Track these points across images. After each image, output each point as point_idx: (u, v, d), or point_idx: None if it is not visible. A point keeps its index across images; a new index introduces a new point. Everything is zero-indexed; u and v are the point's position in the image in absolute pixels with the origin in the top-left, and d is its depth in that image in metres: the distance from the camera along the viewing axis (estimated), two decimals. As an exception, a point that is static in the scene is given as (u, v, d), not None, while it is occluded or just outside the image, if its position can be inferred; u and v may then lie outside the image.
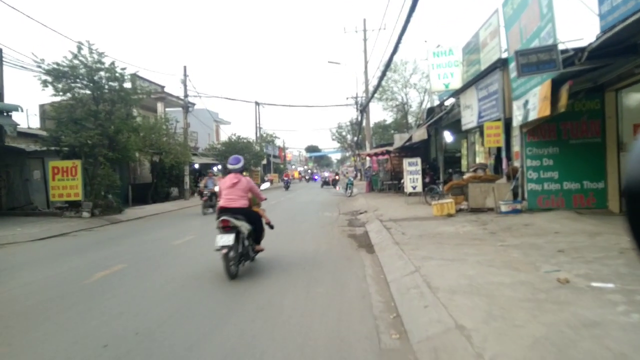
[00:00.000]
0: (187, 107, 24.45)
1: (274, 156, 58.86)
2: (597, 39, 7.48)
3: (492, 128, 11.67)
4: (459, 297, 4.16)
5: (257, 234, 6.59)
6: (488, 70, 12.36)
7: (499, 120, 11.69)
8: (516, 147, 11.75)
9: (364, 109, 26.59)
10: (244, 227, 6.07)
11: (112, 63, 15.54)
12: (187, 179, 24.13)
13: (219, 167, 33.96)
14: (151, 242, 10.24)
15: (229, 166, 6.50)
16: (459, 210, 11.39)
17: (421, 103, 44.34)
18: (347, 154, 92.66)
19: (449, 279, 4.81)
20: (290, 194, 30.49)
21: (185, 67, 24.15)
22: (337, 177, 42.85)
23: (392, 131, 51.11)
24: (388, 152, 21.82)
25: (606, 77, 9.47)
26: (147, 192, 23.63)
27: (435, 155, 22.65)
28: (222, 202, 6.27)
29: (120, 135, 15.95)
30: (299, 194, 30.04)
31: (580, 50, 8.15)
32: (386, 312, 4.39)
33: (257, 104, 48.01)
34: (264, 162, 51.55)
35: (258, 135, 49.04)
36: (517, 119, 10.59)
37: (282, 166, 67.54)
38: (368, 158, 26.57)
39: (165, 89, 29.98)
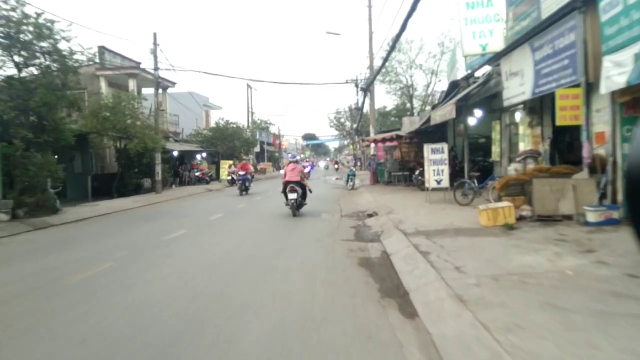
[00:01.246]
0: (158, 82, 20.59)
1: (268, 144, 55.01)
2: None
3: (567, 98, 8.03)
4: None
5: (304, 195, 12.29)
6: (556, 17, 8.65)
7: (577, 86, 8.04)
8: (600, 126, 8.10)
9: (367, 88, 22.82)
10: (299, 191, 11.93)
11: (39, 15, 11.64)
12: (159, 169, 20.40)
13: (203, 155, 30.22)
14: (44, 272, 6.58)
15: (290, 159, 13.38)
16: (520, 219, 7.78)
17: (427, 86, 40.66)
18: (346, 142, 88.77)
19: None
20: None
21: (155, 35, 20.21)
22: (336, 166, 39.34)
23: (393, 118, 47.27)
24: (398, 138, 18.13)
25: None
26: (112, 183, 19.92)
27: (453, 141, 18.99)
28: (287, 178, 12.03)
29: (54, 111, 12.15)
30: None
31: None
32: None
33: (248, 85, 44.21)
34: (257, 149, 47.76)
35: (250, 120, 45.18)
36: (614, 81, 6.89)
37: (276, 154, 63.78)
38: (373, 145, 22.87)
39: (150, 69, 26.08)
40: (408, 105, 43.02)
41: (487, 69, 12.66)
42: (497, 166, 14.48)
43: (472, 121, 16.56)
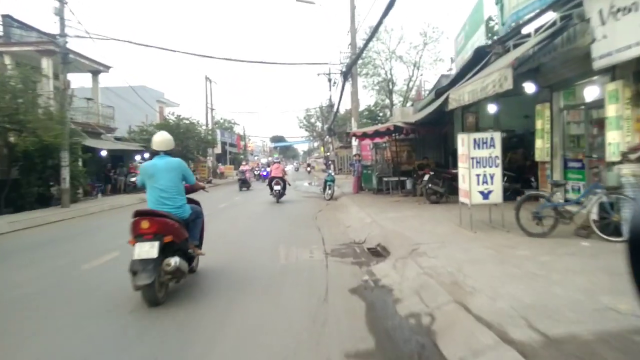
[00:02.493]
0: (65, 54, 15.02)
1: (232, 144, 49.49)
2: None
3: None
4: None
5: (285, 187, 15.83)
6: None
7: None
8: None
9: (348, 71, 18.08)
10: (282, 183, 15.55)
11: None
12: (65, 173, 14.87)
13: (145, 155, 24.62)
14: None
15: (275, 161, 19.26)
16: None
17: (409, 79, 36.54)
18: (315, 144, 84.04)
19: None
20: (238, 195, 21.82)
21: (61, -11, 14.71)
22: (308, 169, 34.80)
23: (365, 120, 42.63)
24: (396, 130, 13.36)
25: None
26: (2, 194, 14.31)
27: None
28: (272, 174, 15.99)
29: None
30: (253, 194, 21.35)
31: None
32: None
33: (207, 78, 38.69)
34: (218, 150, 42.28)
35: (210, 117, 39.63)
36: None
37: (241, 156, 58.29)
38: (355, 143, 18.14)
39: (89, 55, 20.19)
40: (387, 101, 38.84)
41: (551, 16, 8.13)
42: (542, 168, 10.07)
43: (491, 108, 12.19)
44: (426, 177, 11.35)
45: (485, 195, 7.04)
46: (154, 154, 4.97)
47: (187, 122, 30.88)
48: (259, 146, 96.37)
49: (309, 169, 46.44)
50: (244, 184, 23.66)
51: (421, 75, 34.56)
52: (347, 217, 10.74)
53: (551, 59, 8.71)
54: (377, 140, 16.39)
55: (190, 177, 5.11)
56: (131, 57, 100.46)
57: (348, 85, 20.42)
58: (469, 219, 7.26)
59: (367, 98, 42.56)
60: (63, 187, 14.66)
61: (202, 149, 32.68)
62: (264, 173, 29.76)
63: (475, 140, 7.07)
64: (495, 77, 7.42)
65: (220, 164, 43.62)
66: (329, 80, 36.15)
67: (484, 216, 7.46)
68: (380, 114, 44.28)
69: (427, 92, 20.39)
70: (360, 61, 23.95)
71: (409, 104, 31.54)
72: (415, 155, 16.31)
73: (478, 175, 7.03)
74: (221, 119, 55.98)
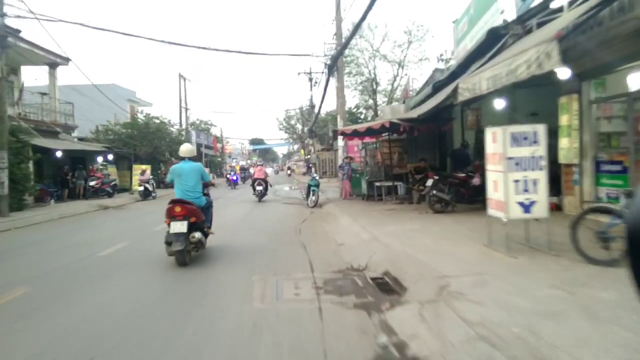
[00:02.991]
0: (3, 37, 12.72)
1: (207, 146, 47.10)
2: None
3: None
4: None
5: (267, 188, 16.94)
6: None
7: None
8: None
9: (334, 64, 16.27)
10: (264, 184, 16.60)
11: None
12: (4, 176, 12.58)
13: (109, 157, 22.32)
14: None
15: (259, 164, 23.32)
16: None
17: (394, 79, 35.11)
18: (295, 147, 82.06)
19: None
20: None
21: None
22: (289, 172, 33.14)
23: (348, 122, 40.89)
24: (392, 127, 11.54)
25: None
26: None
27: (462, 139, 12.92)
28: (255, 176, 17.05)
29: None
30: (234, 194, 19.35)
31: None
32: None
33: (180, 76, 36.37)
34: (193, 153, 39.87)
35: (185, 117, 37.29)
36: None
37: (218, 159, 55.88)
38: (341, 144, 16.36)
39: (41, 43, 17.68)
40: (370, 102, 37.34)
41: None
42: (567, 172, 8.51)
43: (498, 104, 10.69)
44: (429, 182, 9.64)
45: (527, 208, 5.33)
46: (181, 159, 6.64)
47: (158, 121, 28.61)
48: (237, 148, 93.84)
49: (289, 172, 44.61)
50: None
51: (406, 74, 33.09)
52: (338, 231, 8.93)
53: (588, 38, 7.13)
54: (367, 140, 14.64)
55: (206, 176, 6.77)
56: (103, 54, 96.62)
57: (332, 81, 18.72)
58: (500, 236, 5.56)
59: (350, 99, 40.87)
60: (1, 193, 12.38)
61: (174, 151, 30.43)
62: (234, 178, 27.90)
63: (513, 135, 5.36)
64: (532, 55, 5.75)
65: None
66: (310, 79, 34.29)
67: (516, 232, 5.75)
68: (362, 117, 42.70)
69: (417, 90, 18.82)
70: (343, 59, 22.23)
71: (396, 103, 30.06)
72: (407, 157, 14.67)
73: (517, 181, 5.32)
74: (197, 119, 53.52)
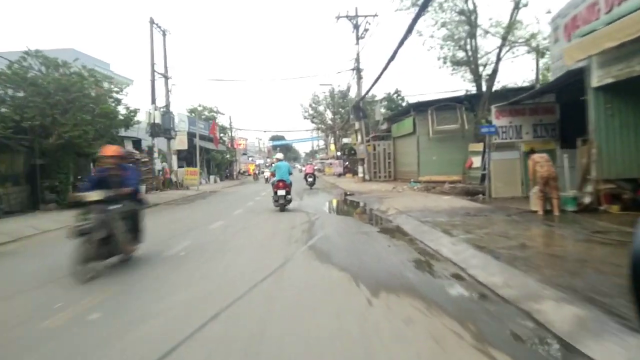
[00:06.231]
0: None
1: (202, 137, 32.89)
2: None
3: None
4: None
5: (314, 180, 24.13)
6: None
7: None
8: None
9: None
10: (313, 177, 24.05)
11: None
12: None
13: None
14: None
15: (308, 163, 43.58)
16: None
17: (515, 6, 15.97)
18: (321, 143, 69.40)
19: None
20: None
21: None
22: (311, 176, 24.59)
23: (385, 110, 31.42)
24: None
25: None
26: None
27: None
28: (306, 171, 25.74)
29: None
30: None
31: None
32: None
33: (153, 22, 24.40)
34: (183, 145, 29.01)
35: (166, 92, 25.56)
36: None
37: (226, 156, 45.10)
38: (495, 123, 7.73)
39: None
40: (461, 54, 19.64)
41: None
42: None
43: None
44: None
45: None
46: (278, 160, 13.71)
47: (74, 76, 14.81)
48: (254, 145, 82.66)
49: (314, 174, 27.95)
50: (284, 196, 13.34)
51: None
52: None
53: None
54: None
55: (290, 170, 13.42)
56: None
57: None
58: None
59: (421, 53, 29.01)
60: None
61: (112, 132, 16.38)
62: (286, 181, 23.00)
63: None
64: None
65: (182, 167, 31.07)
66: (356, 26, 23.81)
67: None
68: (402, 103, 33.29)
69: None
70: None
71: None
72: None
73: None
74: (199, 105, 43.02)
